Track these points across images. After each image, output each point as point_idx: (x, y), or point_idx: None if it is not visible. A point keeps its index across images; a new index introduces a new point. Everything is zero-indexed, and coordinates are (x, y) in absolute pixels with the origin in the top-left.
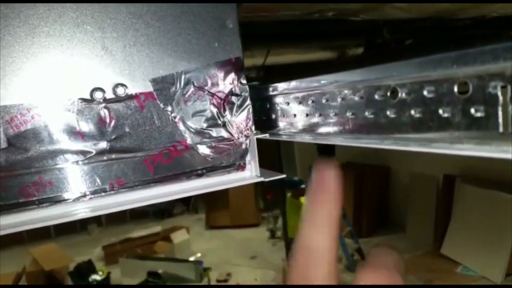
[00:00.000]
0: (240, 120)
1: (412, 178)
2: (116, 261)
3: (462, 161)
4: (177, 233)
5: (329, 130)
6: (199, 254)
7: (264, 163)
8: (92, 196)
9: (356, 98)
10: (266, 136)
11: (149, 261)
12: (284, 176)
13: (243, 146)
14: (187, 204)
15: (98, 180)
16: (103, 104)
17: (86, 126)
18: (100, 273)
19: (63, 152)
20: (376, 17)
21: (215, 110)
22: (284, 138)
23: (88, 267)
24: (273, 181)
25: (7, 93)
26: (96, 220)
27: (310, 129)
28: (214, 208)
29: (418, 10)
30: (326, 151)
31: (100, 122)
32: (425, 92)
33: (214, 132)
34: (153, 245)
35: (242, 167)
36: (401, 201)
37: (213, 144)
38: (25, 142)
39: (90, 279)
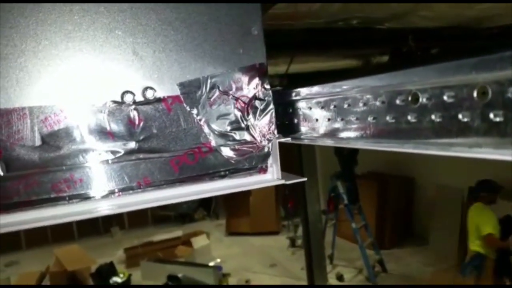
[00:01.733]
0: (263, 124)
1: (437, 190)
2: (137, 264)
3: (488, 174)
4: (198, 238)
5: (350, 135)
6: (218, 260)
7: (285, 169)
8: (121, 193)
9: (378, 103)
10: (288, 140)
11: (170, 265)
12: (305, 179)
13: (265, 149)
14: (208, 209)
15: (126, 178)
16: (133, 106)
17: (116, 127)
18: (121, 275)
19: (93, 151)
20: (402, 25)
21: (239, 114)
22: (306, 142)
23: (109, 269)
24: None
25: (43, 94)
26: (119, 223)
27: (332, 133)
28: (234, 215)
29: (444, 19)
30: (348, 159)
31: (130, 124)
32: (445, 97)
33: (237, 135)
34: (174, 249)
35: (264, 170)
36: (425, 213)
37: (236, 147)
38: (58, 140)
39: (111, 281)
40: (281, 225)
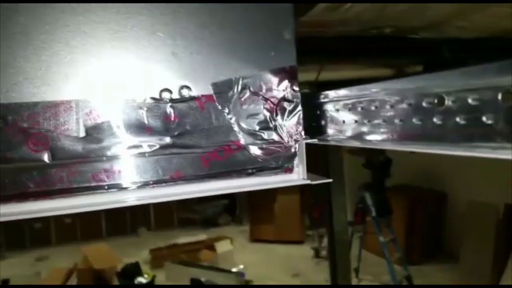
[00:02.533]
0: (290, 125)
1: (469, 206)
2: (161, 265)
3: None
4: (221, 243)
5: (377, 137)
6: (241, 266)
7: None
8: (154, 185)
9: (405, 105)
10: (315, 141)
11: (193, 268)
12: (330, 180)
13: (292, 150)
14: (233, 215)
15: (160, 171)
16: (170, 104)
17: (154, 122)
18: (146, 275)
19: (132, 144)
20: (436, 35)
21: (267, 114)
22: (332, 143)
23: (135, 269)
24: None
25: (88, 89)
26: (146, 224)
27: (358, 135)
28: (258, 221)
29: (481, 30)
30: (381, 170)
31: (166, 120)
32: (470, 100)
33: (265, 135)
34: (198, 252)
35: (290, 170)
36: (456, 230)
37: (264, 146)
38: (100, 133)
39: (136, 281)
40: (305, 235)
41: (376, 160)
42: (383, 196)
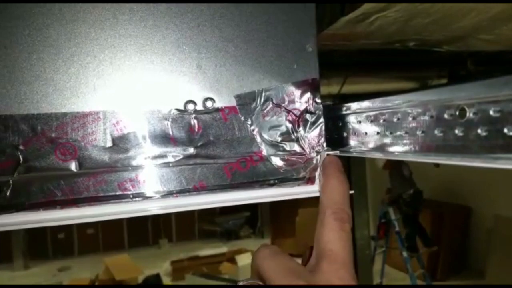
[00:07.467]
0: (312, 136)
1: (495, 221)
2: (182, 277)
3: None
4: (242, 256)
5: (399, 149)
6: None
7: None
8: (178, 195)
9: (427, 117)
10: (336, 152)
11: (214, 281)
12: (351, 192)
13: (314, 161)
14: (254, 227)
15: (184, 181)
16: (194, 115)
17: (178, 133)
18: None
19: (157, 154)
20: (461, 48)
21: (290, 126)
22: (354, 155)
23: (156, 281)
24: None
25: (116, 100)
26: (168, 235)
27: (381, 147)
28: (280, 235)
29: (505, 42)
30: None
31: (190, 131)
32: (491, 112)
33: (287, 146)
34: (218, 265)
35: (311, 181)
36: (481, 245)
37: (286, 157)
38: (126, 143)
39: None
40: None
41: (406, 194)
42: (420, 229)
